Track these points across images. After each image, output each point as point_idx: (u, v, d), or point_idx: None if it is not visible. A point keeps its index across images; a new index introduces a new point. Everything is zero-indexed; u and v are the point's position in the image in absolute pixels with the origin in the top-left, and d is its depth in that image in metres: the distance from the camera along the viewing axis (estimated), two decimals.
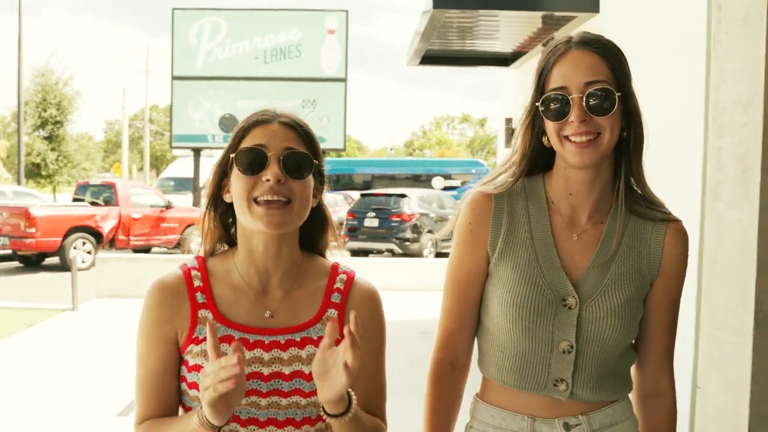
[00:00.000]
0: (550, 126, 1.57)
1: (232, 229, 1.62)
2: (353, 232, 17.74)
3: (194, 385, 1.50)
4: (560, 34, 6.59)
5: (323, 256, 1.68)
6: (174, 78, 19.74)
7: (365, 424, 1.51)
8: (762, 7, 1.80)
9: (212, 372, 1.31)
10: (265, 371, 1.50)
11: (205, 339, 1.47)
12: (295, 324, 1.54)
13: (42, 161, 32.31)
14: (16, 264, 16.36)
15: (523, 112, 1.65)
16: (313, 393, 1.48)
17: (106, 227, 16.07)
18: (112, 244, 16.33)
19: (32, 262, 16.23)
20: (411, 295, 10.59)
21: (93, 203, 16.85)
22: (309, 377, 1.49)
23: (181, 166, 25.50)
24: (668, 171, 3.85)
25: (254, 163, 1.50)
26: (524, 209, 1.63)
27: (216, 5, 20.29)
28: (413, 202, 18.04)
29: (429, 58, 8.12)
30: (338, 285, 1.60)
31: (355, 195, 21.39)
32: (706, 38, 3.55)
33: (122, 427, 5.15)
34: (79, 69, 66.80)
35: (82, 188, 18.01)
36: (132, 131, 57.35)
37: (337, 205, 24.08)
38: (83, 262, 15.01)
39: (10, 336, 8.24)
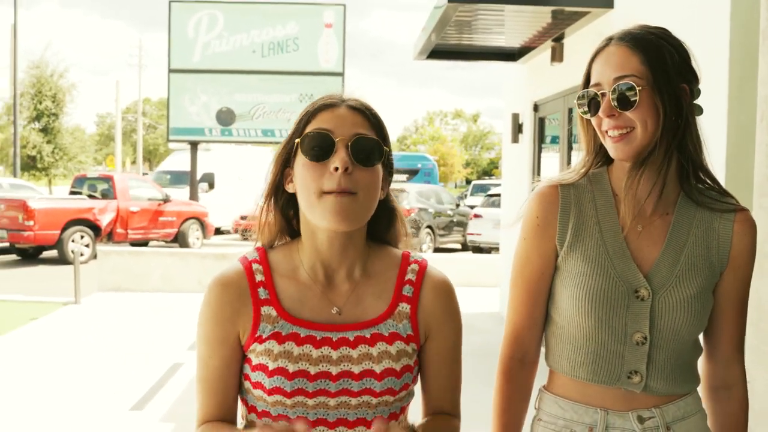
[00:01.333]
0: (592, 121, 1.61)
1: (294, 221, 1.53)
2: None
3: (258, 385, 1.43)
4: (571, 30, 6.57)
5: (394, 246, 1.60)
6: (171, 71, 19.65)
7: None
8: None
9: None
10: (334, 370, 1.42)
11: (269, 338, 1.43)
12: (364, 319, 1.47)
13: (38, 154, 32.21)
14: (13, 257, 16.30)
15: (579, 106, 1.66)
16: (385, 392, 1.44)
17: (104, 220, 16.02)
18: (110, 237, 16.28)
19: (30, 255, 16.18)
20: None
21: (91, 196, 16.80)
22: (380, 376, 1.43)
23: (177, 160, 25.39)
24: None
25: (321, 148, 1.41)
26: (591, 201, 1.64)
27: None
28: (412, 197, 18.04)
29: (435, 53, 8.10)
30: (410, 276, 1.52)
31: None
32: (729, 36, 3.56)
33: (137, 422, 5.14)
34: (72, 62, 66.48)
35: (80, 181, 17.94)
36: (124, 124, 57.10)
37: None
38: (82, 255, 14.97)
39: (14, 329, 8.22)
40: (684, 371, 1.62)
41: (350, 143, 1.41)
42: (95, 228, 15.81)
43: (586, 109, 1.60)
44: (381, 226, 1.57)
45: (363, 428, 1.43)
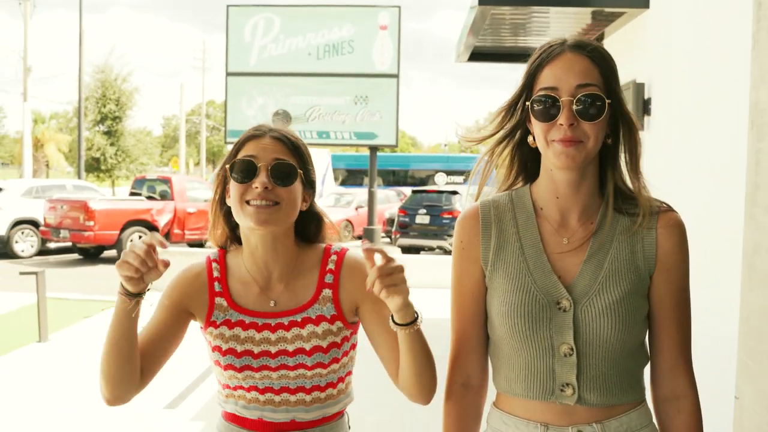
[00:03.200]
0: (537, 127, 1.57)
1: (237, 229, 1.84)
2: (404, 229, 17.75)
3: (217, 363, 1.78)
4: (610, 30, 6.47)
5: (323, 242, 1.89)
6: (228, 74, 20.00)
7: (425, 342, 1.67)
8: None
9: (139, 247, 1.57)
10: (273, 349, 1.75)
11: (221, 324, 1.77)
12: (295, 306, 1.77)
13: (101, 156, 33.16)
14: (75, 256, 16.80)
15: (507, 101, 1.66)
16: (316, 365, 1.74)
17: (162, 221, 16.39)
18: (168, 237, 16.64)
19: (91, 255, 16.66)
20: None
21: (149, 197, 17.21)
22: (309, 353, 1.74)
23: None
24: (711, 174, 3.76)
25: (245, 172, 1.72)
26: (512, 219, 1.65)
27: (270, 2, 20.46)
28: (465, 199, 17.94)
29: (478, 55, 8.05)
30: (330, 266, 1.81)
31: (409, 191, 21.39)
32: (752, 35, 3.44)
33: (170, 420, 5.25)
34: (139, 65, 68.53)
35: (139, 182, 18.41)
36: (189, 126, 58.32)
37: (389, 201, 24.13)
38: None
39: (65, 328, 8.48)
40: (622, 381, 1.57)
41: (270, 167, 1.72)
42: (153, 228, 16.17)
43: (541, 114, 1.55)
44: (311, 230, 1.88)
45: (302, 393, 1.76)
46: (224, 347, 1.76)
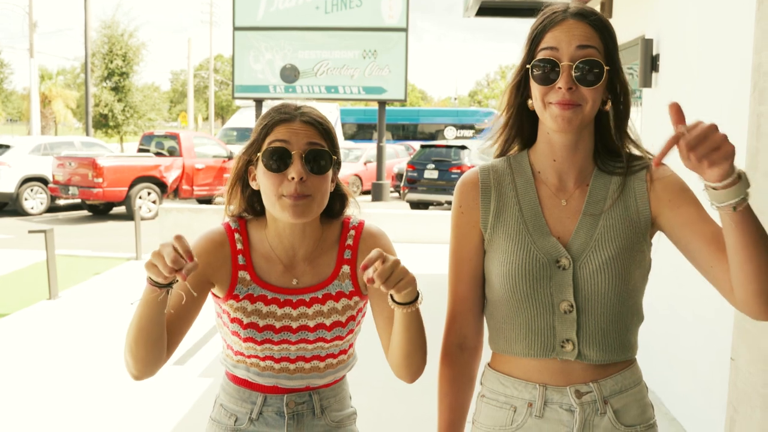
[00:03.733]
0: (536, 90, 1.61)
1: (257, 205, 1.80)
2: (413, 184, 17.73)
3: (235, 333, 1.76)
4: None
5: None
6: (236, 29, 19.86)
7: (422, 323, 1.65)
8: None
9: (168, 253, 1.43)
10: (294, 325, 1.75)
11: (244, 298, 1.74)
12: (317, 283, 1.77)
13: (109, 112, 33.09)
14: (84, 213, 16.90)
15: (511, 72, 1.70)
16: (335, 339, 1.77)
17: (170, 177, 16.43)
18: (176, 194, 16.70)
19: (100, 212, 16.76)
20: None
21: (158, 153, 17.22)
22: (329, 328, 1.76)
23: (243, 117, 25.77)
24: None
25: (279, 160, 1.67)
26: (511, 183, 1.69)
27: None
28: (473, 153, 17.88)
29: (486, 9, 7.95)
30: (348, 242, 1.80)
31: (417, 146, 21.33)
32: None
33: (179, 375, 5.33)
34: (146, 20, 67.81)
35: (147, 139, 18.40)
36: (197, 81, 58.07)
37: (398, 156, 24.07)
38: (149, 211, 15.43)
39: (77, 284, 8.57)
40: (619, 337, 1.62)
41: (304, 154, 1.67)
42: (162, 185, 16.23)
43: (540, 78, 1.58)
44: (335, 208, 1.85)
45: (317, 361, 1.78)
46: (245, 321, 1.74)
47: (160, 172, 16.24)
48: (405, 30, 19.89)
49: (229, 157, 17.75)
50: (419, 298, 1.58)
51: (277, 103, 1.79)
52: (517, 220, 1.66)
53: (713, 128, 1.29)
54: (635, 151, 1.69)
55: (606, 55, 1.58)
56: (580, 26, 1.57)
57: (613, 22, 6.59)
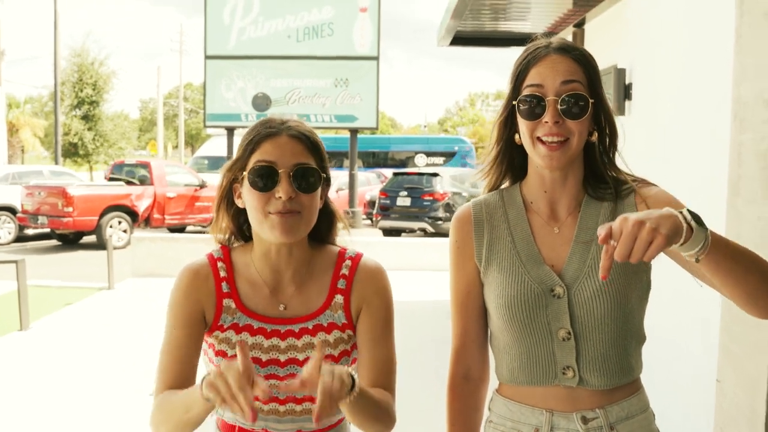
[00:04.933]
0: (523, 125, 1.64)
1: (244, 226, 1.73)
2: (385, 211, 17.78)
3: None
4: (591, 16, 6.49)
5: (334, 244, 1.79)
6: (207, 57, 19.85)
7: (375, 398, 1.58)
8: None
9: (234, 380, 1.33)
10: (282, 358, 1.64)
11: (229, 328, 1.64)
12: (306, 313, 1.67)
13: (79, 141, 32.79)
14: (54, 242, 16.69)
15: (499, 109, 1.74)
16: None
17: (142, 206, 16.32)
18: (148, 223, 16.58)
19: (70, 241, 16.56)
20: (444, 275, 10.58)
21: (128, 182, 17.10)
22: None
23: (215, 145, 25.70)
24: (690, 158, 3.81)
25: (266, 179, 1.59)
26: (503, 216, 1.73)
27: None
28: (445, 181, 18.00)
29: (460, 39, 8.06)
30: (344, 271, 1.72)
31: (389, 173, 21.41)
32: (735, 29, 3.49)
33: None
34: (116, 48, 67.65)
35: (118, 167, 18.28)
36: (166, 109, 57.84)
37: (370, 183, 24.13)
38: (119, 240, 15.27)
39: (49, 314, 8.44)
40: (619, 361, 1.63)
41: (292, 173, 1.59)
42: (133, 214, 16.10)
43: (527, 113, 1.62)
44: (323, 229, 1.77)
45: (309, 403, 1.64)
46: (230, 353, 1.63)
47: (131, 201, 16.13)
48: (376, 58, 20.04)
49: (201, 186, 17.69)
50: (354, 390, 1.45)
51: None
52: (510, 252, 1.68)
53: (636, 225, 1.29)
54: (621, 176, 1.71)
55: (590, 87, 1.62)
56: (564, 61, 1.61)
57: None
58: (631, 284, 1.63)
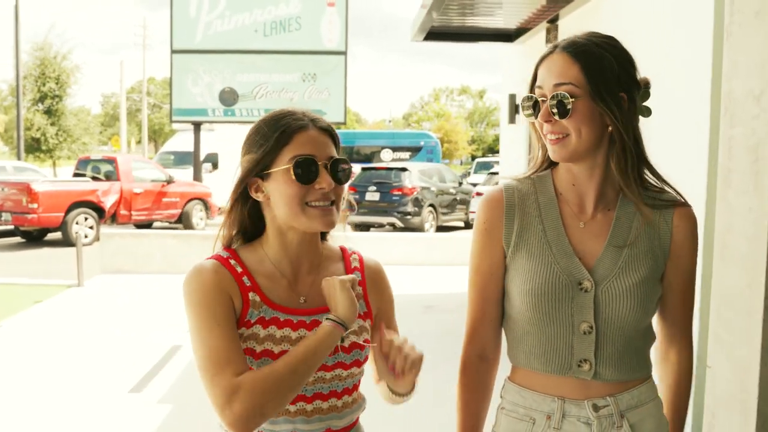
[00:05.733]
0: (535, 124, 1.73)
1: (259, 222, 1.72)
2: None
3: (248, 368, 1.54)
4: (565, 12, 6.59)
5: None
6: (173, 51, 19.64)
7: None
8: None
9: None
10: None
11: (255, 323, 1.60)
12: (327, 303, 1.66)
13: (42, 136, 32.25)
14: (18, 239, 16.43)
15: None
16: (353, 364, 1.66)
17: (108, 202, 16.13)
18: (114, 219, 16.39)
19: (34, 238, 16.30)
20: (415, 269, 10.67)
21: (94, 178, 16.89)
22: (348, 350, 1.65)
23: (181, 141, 25.46)
24: (672, 157, 3.90)
25: (308, 171, 1.61)
26: (535, 202, 1.75)
27: None
28: (414, 175, 18.08)
29: (433, 34, 8.12)
30: (355, 264, 1.78)
31: (356, 168, 21.42)
32: (713, 25, 3.58)
33: (136, 403, 5.24)
34: (78, 42, 66.60)
35: (83, 163, 18.02)
36: (129, 104, 57.12)
37: None
38: (86, 237, 15.09)
39: (19, 312, 8.33)
40: (634, 358, 1.69)
41: (329, 165, 1.63)
42: (99, 210, 15.91)
43: (530, 111, 1.71)
44: None
45: (335, 399, 1.65)
46: (258, 349, 1.59)
47: (98, 196, 15.92)
48: (344, 53, 20.01)
49: (168, 181, 17.54)
50: (412, 392, 1.67)
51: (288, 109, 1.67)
52: (540, 240, 1.70)
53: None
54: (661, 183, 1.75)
55: (588, 82, 1.62)
56: (559, 61, 1.65)
57: None
58: (655, 290, 1.70)
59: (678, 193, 1.74)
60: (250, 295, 1.62)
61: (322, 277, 1.69)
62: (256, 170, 1.65)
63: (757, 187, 1.97)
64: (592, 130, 1.65)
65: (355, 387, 1.72)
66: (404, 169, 18.25)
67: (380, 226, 17.87)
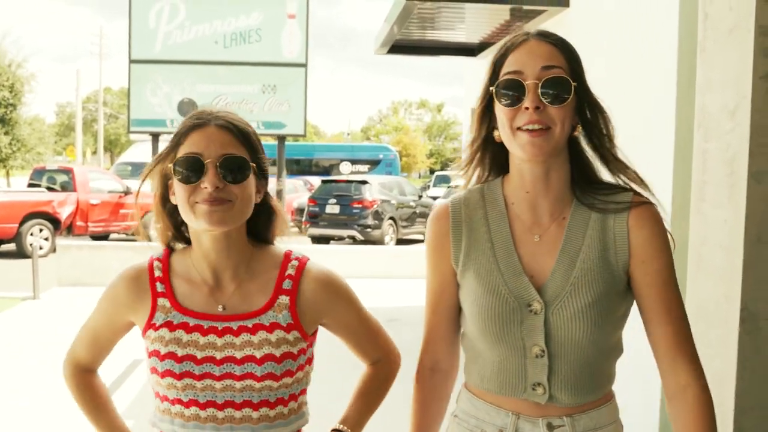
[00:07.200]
0: (502, 115, 1.55)
1: (183, 227, 1.71)
2: (314, 219, 17.75)
3: (153, 370, 1.62)
4: (528, 27, 6.66)
5: (272, 244, 1.76)
6: (132, 61, 19.40)
7: (372, 407, 1.81)
8: (750, 22, 1.89)
9: None
10: (218, 356, 1.59)
11: (162, 326, 1.62)
12: (247, 312, 1.63)
13: None
14: None
15: (477, 101, 1.65)
16: (266, 377, 1.59)
17: (64, 213, 15.83)
18: (70, 230, 16.10)
19: None
20: (377, 282, 10.65)
21: (50, 189, 16.58)
22: (260, 361, 1.59)
23: (138, 151, 25.16)
24: (639, 169, 3.95)
25: (191, 171, 1.56)
26: (483, 217, 1.64)
27: None
28: (374, 188, 18.09)
29: (397, 47, 8.14)
30: (290, 272, 1.68)
31: (315, 181, 21.38)
32: (678, 41, 3.65)
33: None
34: (33, 50, 65.48)
35: (38, 173, 17.68)
36: (85, 114, 56.26)
37: (297, 191, 24.03)
38: (41, 249, 14.78)
39: None
40: (593, 380, 1.58)
41: (218, 163, 1.56)
42: (55, 221, 15.62)
43: (509, 100, 1.53)
44: (260, 225, 1.73)
45: (249, 409, 1.60)
46: (163, 351, 1.59)
47: (53, 207, 15.63)
48: (304, 65, 19.96)
49: (126, 193, 17.30)
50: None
51: None
52: (488, 259, 1.60)
53: None
54: (618, 181, 1.62)
55: (572, 72, 1.53)
56: (543, 46, 1.54)
57: None
58: (613, 306, 1.55)
59: (641, 190, 1.61)
60: (160, 300, 1.64)
61: (249, 285, 1.65)
62: (161, 172, 1.64)
63: (732, 199, 2.00)
64: (570, 124, 1.54)
65: (280, 401, 1.63)
66: (364, 182, 18.26)
67: (340, 239, 17.83)
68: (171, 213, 1.68)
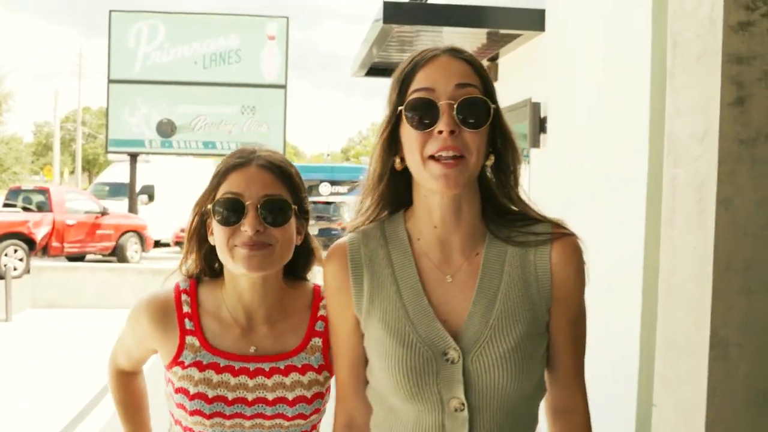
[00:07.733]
0: (412, 140, 1.38)
1: (216, 264, 1.65)
2: None
3: (180, 406, 1.56)
4: (505, 51, 6.70)
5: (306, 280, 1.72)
6: (110, 81, 19.36)
7: None
8: (717, 50, 1.90)
9: None
10: (250, 397, 1.55)
11: (191, 365, 1.56)
12: (279, 353, 1.59)
13: None
14: None
15: (380, 125, 1.47)
16: (297, 417, 1.57)
17: (39, 234, 15.69)
18: (46, 251, 15.94)
19: None
20: None
21: (25, 209, 16.43)
22: (292, 403, 1.57)
23: (116, 171, 24.99)
24: (610, 195, 3.97)
25: (231, 212, 1.52)
26: (386, 257, 1.46)
27: (154, 8, 19.98)
28: (352, 209, 18.08)
29: (374, 70, 8.16)
30: (322, 312, 1.63)
31: None
32: (651, 68, 3.68)
33: None
34: (10, 69, 65.16)
35: (14, 193, 17.54)
36: (63, 134, 55.90)
37: None
38: (15, 270, 14.60)
39: None
40: (517, 427, 1.43)
41: (260, 205, 1.52)
42: (30, 241, 15.46)
43: (421, 121, 1.36)
44: (299, 266, 1.69)
45: (281, 419, 1.57)
46: (192, 391, 1.54)
47: (29, 228, 15.48)
48: (284, 87, 20.05)
49: (102, 213, 17.18)
50: None
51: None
52: (395, 304, 1.42)
53: None
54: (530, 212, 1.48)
55: (487, 96, 1.39)
56: (456, 63, 1.38)
57: (500, 85, 6.93)
58: (539, 348, 1.43)
59: (556, 221, 1.48)
60: (188, 339, 1.58)
61: (282, 325, 1.61)
62: (200, 211, 1.61)
63: (701, 226, 2.00)
64: (484, 151, 1.39)
65: None
66: (344, 204, 18.25)
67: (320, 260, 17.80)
68: (207, 252, 1.64)
